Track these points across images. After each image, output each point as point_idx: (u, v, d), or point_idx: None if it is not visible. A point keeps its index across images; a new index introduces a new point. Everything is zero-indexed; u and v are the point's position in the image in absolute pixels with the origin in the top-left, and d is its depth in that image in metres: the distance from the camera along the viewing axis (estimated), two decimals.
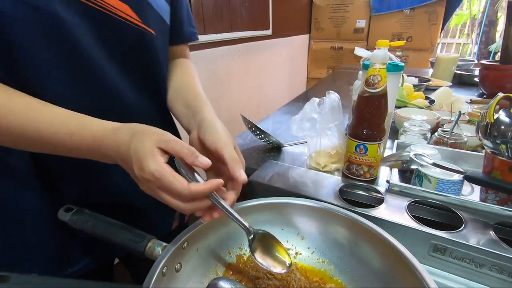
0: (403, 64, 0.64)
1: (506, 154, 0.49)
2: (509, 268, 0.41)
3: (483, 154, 0.55)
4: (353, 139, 0.59)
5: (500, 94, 0.54)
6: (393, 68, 0.62)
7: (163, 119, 0.59)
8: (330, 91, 0.68)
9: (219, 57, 1.66)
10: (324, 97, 0.72)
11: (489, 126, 0.49)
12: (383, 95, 0.55)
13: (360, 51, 0.60)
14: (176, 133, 0.63)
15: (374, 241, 0.40)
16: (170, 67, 0.60)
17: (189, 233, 0.40)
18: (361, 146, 0.59)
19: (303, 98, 1.31)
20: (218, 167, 0.41)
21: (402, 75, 1.17)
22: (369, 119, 0.57)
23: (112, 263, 0.62)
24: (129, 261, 0.66)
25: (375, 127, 0.57)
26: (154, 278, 0.33)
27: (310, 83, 3.01)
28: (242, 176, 0.38)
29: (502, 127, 0.48)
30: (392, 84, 0.60)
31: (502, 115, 0.49)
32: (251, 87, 2.06)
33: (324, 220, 0.45)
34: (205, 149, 0.41)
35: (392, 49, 0.55)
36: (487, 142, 0.51)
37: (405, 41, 2.42)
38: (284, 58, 2.55)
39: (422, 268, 0.34)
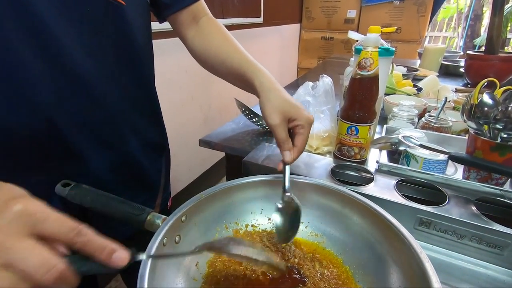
0: (394, 49, 0.66)
1: (488, 134, 0.51)
2: (487, 238, 0.45)
3: (467, 137, 0.58)
4: (345, 121, 0.61)
5: (485, 80, 0.56)
6: (384, 52, 0.64)
7: (145, 110, 0.53)
8: (324, 75, 0.69)
9: None
10: (317, 82, 0.73)
11: (473, 108, 0.52)
12: (375, 78, 0.57)
13: (353, 34, 0.62)
14: (162, 129, 0.59)
15: (364, 213, 0.42)
16: (193, 34, 0.57)
17: (187, 206, 0.41)
18: (353, 128, 0.61)
19: (294, 86, 1.32)
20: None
21: (392, 64, 1.20)
22: (361, 101, 0.58)
23: None
24: None
25: (366, 109, 0.59)
26: (155, 246, 0.34)
27: (301, 73, 3.03)
28: (286, 157, 0.44)
29: (485, 108, 0.51)
30: (383, 68, 0.62)
31: (486, 97, 0.51)
32: None
33: (318, 196, 0.47)
34: None
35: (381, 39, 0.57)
36: (471, 123, 0.54)
37: (395, 28, 2.45)
38: (275, 47, 2.54)
39: (409, 234, 0.36)
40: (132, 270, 0.30)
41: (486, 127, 0.51)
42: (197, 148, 1.67)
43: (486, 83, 0.56)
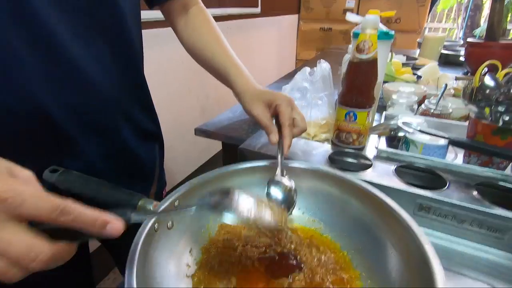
0: (393, 32, 0.64)
1: (490, 118, 0.50)
2: (488, 223, 0.44)
3: (467, 123, 0.57)
4: (343, 107, 0.60)
5: (487, 62, 0.55)
6: (383, 35, 0.62)
7: (137, 97, 0.52)
8: (322, 60, 0.67)
9: None
10: (315, 68, 0.72)
11: (475, 90, 0.51)
12: (374, 61, 0.55)
13: (351, 16, 0.60)
14: (154, 116, 0.58)
15: (363, 198, 0.41)
16: (183, 25, 0.60)
17: (181, 191, 0.40)
18: (351, 114, 0.59)
19: (292, 76, 1.30)
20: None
21: (391, 51, 1.18)
22: (359, 86, 0.57)
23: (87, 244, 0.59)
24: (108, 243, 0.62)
25: (365, 94, 0.57)
26: (146, 231, 0.33)
27: (299, 65, 3.00)
28: (272, 139, 0.46)
29: (487, 91, 0.49)
30: (382, 53, 0.60)
31: (488, 79, 0.50)
32: None
33: (314, 181, 0.46)
34: None
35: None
36: (472, 107, 0.52)
37: (394, 16, 2.42)
38: (273, 38, 2.51)
39: (409, 217, 0.35)
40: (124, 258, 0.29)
41: (487, 110, 0.50)
42: (194, 140, 1.66)
43: (487, 67, 0.54)
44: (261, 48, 2.30)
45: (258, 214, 0.32)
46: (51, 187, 0.41)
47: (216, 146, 1.92)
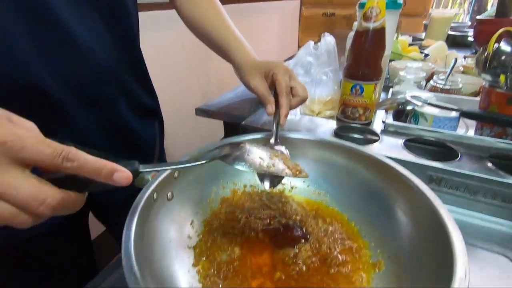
0: (401, 1, 0.61)
1: (505, 86, 0.48)
2: (502, 194, 0.42)
3: (478, 98, 0.55)
4: (349, 80, 0.57)
5: (502, 29, 0.52)
6: (391, 4, 0.59)
7: (133, 71, 0.50)
8: (326, 33, 0.64)
9: None
10: (319, 43, 0.69)
11: (489, 57, 0.48)
12: (382, 30, 0.53)
13: None
14: (152, 93, 0.56)
15: (371, 166, 0.39)
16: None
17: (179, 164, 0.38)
18: (357, 87, 0.57)
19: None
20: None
21: (397, 31, 1.14)
22: (366, 57, 0.54)
23: (87, 215, 0.58)
24: (103, 213, 0.61)
25: (372, 65, 0.55)
26: (144, 199, 0.31)
27: None
28: (268, 109, 0.44)
29: (503, 57, 0.47)
30: (390, 23, 0.57)
31: (503, 45, 0.47)
32: None
33: (320, 152, 0.44)
34: None
35: None
36: (486, 76, 0.50)
37: None
38: (275, 24, 2.46)
39: (421, 182, 0.33)
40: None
41: (502, 78, 0.47)
42: (196, 124, 1.64)
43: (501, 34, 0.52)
44: (262, 34, 2.25)
45: (270, 162, 0.30)
46: None
47: (217, 130, 1.90)
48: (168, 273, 0.30)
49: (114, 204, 0.50)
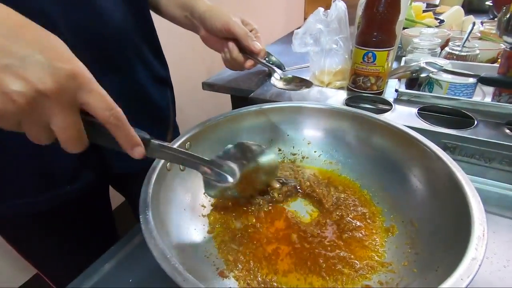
0: None
1: None
2: None
3: (496, 64, 0.52)
4: (361, 47, 0.55)
5: None
6: None
7: (147, 39, 0.50)
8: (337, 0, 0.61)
9: None
10: (328, 10, 0.66)
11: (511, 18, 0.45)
12: None
13: None
14: (164, 61, 0.56)
15: (385, 134, 0.38)
16: None
17: (191, 132, 0.38)
18: (369, 54, 0.55)
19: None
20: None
21: None
22: (380, 21, 0.52)
23: (105, 189, 0.59)
24: (122, 184, 0.63)
25: (385, 30, 0.52)
26: (158, 169, 0.31)
27: None
28: (256, 46, 0.46)
29: None
30: None
31: None
32: None
33: (330, 121, 0.43)
34: (220, 41, 0.49)
35: None
36: (507, 38, 0.47)
37: None
38: None
39: (436, 147, 0.32)
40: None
41: None
42: (201, 103, 1.63)
43: None
44: (268, 8, 2.17)
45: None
46: None
47: (224, 107, 1.89)
48: (185, 239, 0.30)
49: (132, 174, 0.51)
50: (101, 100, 0.21)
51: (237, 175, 0.34)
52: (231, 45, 0.48)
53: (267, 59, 0.75)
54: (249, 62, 0.49)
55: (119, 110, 0.23)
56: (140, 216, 0.26)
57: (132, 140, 0.24)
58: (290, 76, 0.51)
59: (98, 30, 0.40)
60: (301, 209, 0.37)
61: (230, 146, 0.35)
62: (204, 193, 0.37)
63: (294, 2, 2.63)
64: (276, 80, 0.51)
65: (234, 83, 0.73)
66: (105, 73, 0.43)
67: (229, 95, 0.78)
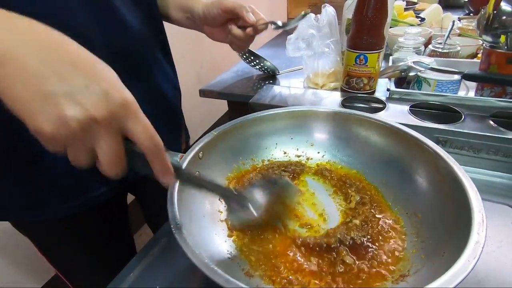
0: None
1: (505, 46, 0.49)
2: (504, 149, 0.45)
3: (477, 59, 0.56)
4: (353, 50, 0.58)
5: None
6: None
7: (162, 47, 0.53)
8: (327, 4, 0.64)
9: None
10: (319, 15, 0.69)
11: (490, 18, 0.49)
12: None
13: None
14: (173, 64, 0.58)
15: (384, 133, 0.41)
16: None
17: (203, 142, 0.40)
18: (361, 57, 0.58)
19: (282, 36, 1.25)
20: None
21: None
22: (369, 25, 0.55)
23: (125, 194, 0.62)
24: (139, 195, 0.65)
25: (375, 34, 0.56)
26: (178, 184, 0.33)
27: None
28: (250, 18, 0.48)
29: (504, 17, 0.48)
30: None
31: (504, 5, 0.48)
32: None
33: (333, 124, 0.46)
34: (223, 30, 0.52)
35: None
36: (486, 37, 0.51)
37: None
38: None
39: (433, 144, 0.36)
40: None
41: (503, 38, 0.49)
42: (194, 109, 1.63)
43: None
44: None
45: None
46: None
47: (219, 112, 1.89)
48: (209, 244, 0.32)
49: (143, 177, 0.53)
50: (145, 129, 0.23)
51: (261, 208, 0.36)
52: (231, 25, 0.50)
53: (261, 64, 0.77)
54: (248, 29, 0.50)
55: (159, 139, 0.24)
56: (172, 228, 0.27)
57: (166, 169, 0.25)
58: None
59: (124, 43, 0.43)
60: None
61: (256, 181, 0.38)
62: (219, 199, 0.39)
63: (276, 4, 2.67)
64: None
65: (232, 89, 0.74)
66: (131, 82, 0.44)
67: (220, 100, 0.80)
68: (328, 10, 0.64)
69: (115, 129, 0.21)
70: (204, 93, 0.76)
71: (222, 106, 1.97)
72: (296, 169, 0.44)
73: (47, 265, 0.54)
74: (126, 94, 0.22)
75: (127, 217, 0.62)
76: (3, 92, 0.19)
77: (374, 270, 0.30)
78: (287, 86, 0.67)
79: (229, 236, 0.36)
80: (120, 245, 0.60)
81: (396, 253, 0.31)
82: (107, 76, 0.21)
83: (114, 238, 0.58)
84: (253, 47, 0.78)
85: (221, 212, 0.39)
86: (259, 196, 0.36)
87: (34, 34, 0.20)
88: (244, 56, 0.76)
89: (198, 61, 1.64)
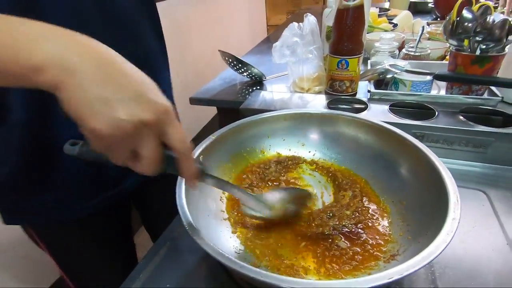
0: None
1: (469, 49, 0.55)
2: (473, 140, 0.50)
3: (445, 61, 0.62)
4: (335, 56, 0.62)
5: None
6: None
7: (165, 61, 0.57)
8: (308, 13, 0.69)
9: (178, 4, 1.55)
10: (301, 23, 0.73)
11: (455, 24, 0.55)
12: (361, 7, 0.58)
13: None
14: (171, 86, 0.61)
15: (370, 131, 0.45)
16: None
17: (202, 146, 0.42)
18: (343, 62, 0.62)
19: (266, 43, 1.30)
20: None
21: None
22: (349, 33, 0.59)
23: (128, 202, 0.63)
24: (139, 204, 0.67)
25: (354, 40, 0.60)
26: (184, 181, 0.35)
27: (271, 31, 2.95)
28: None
29: (466, 23, 0.54)
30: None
31: (465, 13, 0.54)
32: (214, 38, 1.97)
33: (322, 124, 0.50)
34: None
35: None
36: (452, 41, 0.57)
37: None
38: (243, 5, 2.44)
39: (412, 138, 0.40)
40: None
41: (466, 42, 0.55)
42: (181, 116, 1.64)
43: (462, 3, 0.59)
44: (233, 17, 2.24)
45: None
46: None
47: (207, 117, 1.90)
48: (217, 241, 0.35)
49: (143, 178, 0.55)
50: (180, 133, 0.25)
51: (274, 207, 0.38)
52: None
53: (249, 71, 0.80)
54: None
55: (190, 145, 0.27)
56: (185, 226, 0.29)
57: (193, 172, 0.29)
58: None
59: (135, 51, 0.45)
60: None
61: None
62: (221, 200, 0.42)
63: (255, 11, 2.73)
64: None
65: (222, 96, 0.77)
66: None
67: (207, 107, 0.82)
68: (310, 19, 0.68)
69: (157, 132, 0.24)
70: (194, 101, 0.79)
71: (208, 113, 1.99)
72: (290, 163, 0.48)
73: (47, 272, 0.54)
74: (168, 103, 0.25)
75: (130, 219, 0.63)
76: (65, 98, 0.22)
77: (367, 253, 0.34)
78: (275, 91, 0.71)
79: (233, 232, 0.38)
80: (124, 246, 0.62)
81: (386, 237, 0.35)
82: (152, 88, 0.25)
83: (120, 239, 0.60)
84: (238, 54, 0.82)
85: (223, 211, 0.41)
86: (274, 198, 0.39)
87: (92, 49, 0.23)
88: (232, 64, 0.79)
89: (182, 69, 1.66)
